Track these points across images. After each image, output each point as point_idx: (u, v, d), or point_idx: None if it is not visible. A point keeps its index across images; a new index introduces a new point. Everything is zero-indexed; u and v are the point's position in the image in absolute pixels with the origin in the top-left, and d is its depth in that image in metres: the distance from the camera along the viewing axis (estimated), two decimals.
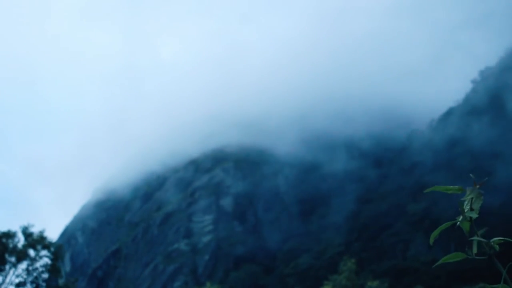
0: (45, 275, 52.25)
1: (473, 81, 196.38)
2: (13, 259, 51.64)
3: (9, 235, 51.95)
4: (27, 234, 52.31)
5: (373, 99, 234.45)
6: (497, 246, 2.48)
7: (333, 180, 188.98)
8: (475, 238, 2.48)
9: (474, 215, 2.50)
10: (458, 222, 2.55)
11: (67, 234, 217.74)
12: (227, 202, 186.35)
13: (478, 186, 2.58)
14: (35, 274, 51.53)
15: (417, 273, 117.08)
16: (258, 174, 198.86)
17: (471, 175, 2.63)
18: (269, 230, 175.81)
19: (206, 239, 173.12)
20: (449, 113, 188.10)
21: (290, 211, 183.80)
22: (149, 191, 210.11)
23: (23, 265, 51.97)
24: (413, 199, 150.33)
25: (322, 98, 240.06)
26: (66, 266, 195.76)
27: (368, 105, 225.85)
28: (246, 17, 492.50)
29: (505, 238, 2.51)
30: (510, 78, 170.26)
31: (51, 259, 52.65)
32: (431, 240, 2.69)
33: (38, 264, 51.95)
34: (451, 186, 2.59)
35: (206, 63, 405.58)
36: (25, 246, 51.79)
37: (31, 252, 51.89)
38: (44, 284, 51.99)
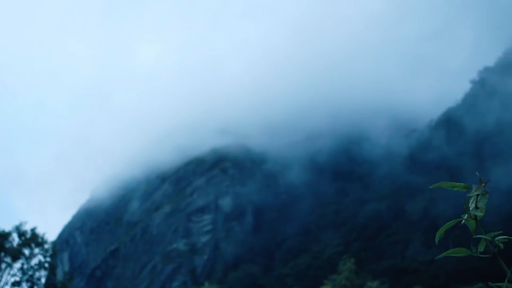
0: (40, 273, 51.95)
1: (472, 81, 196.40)
2: (8, 259, 51.28)
3: (3, 235, 51.56)
4: (20, 232, 51.96)
5: (360, 103, 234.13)
6: (502, 244, 2.45)
7: (330, 181, 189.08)
8: (481, 235, 2.45)
9: (479, 213, 2.47)
10: (463, 220, 2.51)
11: (66, 234, 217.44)
12: (225, 202, 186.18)
13: (483, 184, 2.52)
14: (30, 272, 51.20)
15: (416, 273, 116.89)
16: (256, 175, 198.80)
17: (477, 173, 2.58)
18: (268, 229, 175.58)
19: (204, 239, 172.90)
20: (447, 113, 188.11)
21: (289, 211, 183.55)
22: (148, 191, 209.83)
23: (18, 264, 51.67)
24: (411, 199, 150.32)
25: (307, 103, 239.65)
26: (65, 266, 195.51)
27: (352, 108, 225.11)
28: (221, 26, 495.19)
29: (510, 237, 2.47)
30: (509, 78, 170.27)
31: (46, 257, 52.35)
32: (437, 239, 2.64)
33: (32, 263, 51.64)
34: (457, 183, 2.54)
35: (183, 72, 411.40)
36: (20, 245, 51.44)
37: (26, 251, 51.54)
38: (39, 282, 51.67)
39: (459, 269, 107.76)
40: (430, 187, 2.69)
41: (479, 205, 2.50)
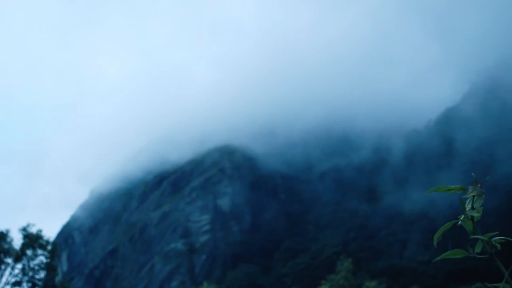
0: (41, 274, 51.96)
1: (470, 82, 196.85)
2: (10, 260, 51.35)
3: (4, 235, 51.62)
4: (26, 234, 51.97)
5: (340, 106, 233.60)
6: (499, 245, 2.46)
7: (327, 182, 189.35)
8: (477, 236, 2.46)
9: (476, 214, 2.47)
10: (460, 221, 2.51)
11: (64, 234, 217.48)
12: (224, 202, 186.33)
13: (479, 185, 2.53)
14: (31, 273, 51.23)
15: (414, 273, 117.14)
16: (254, 176, 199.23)
17: (472, 174, 2.58)
18: (266, 229, 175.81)
19: (203, 238, 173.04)
20: (446, 113, 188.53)
21: (287, 211, 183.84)
22: (146, 191, 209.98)
23: (19, 265, 51.67)
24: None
25: (274, 115, 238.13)
26: (63, 266, 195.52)
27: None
28: (187, 40, 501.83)
29: (506, 237, 2.49)
30: (507, 78, 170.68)
31: (47, 258, 52.37)
32: (435, 241, 2.65)
33: (34, 263, 51.66)
34: (453, 186, 2.56)
35: (150, 86, 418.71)
36: (23, 246, 51.49)
37: (28, 252, 51.57)
38: (40, 283, 51.69)
39: (457, 269, 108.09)
40: (425, 193, 2.75)
41: (475, 206, 2.50)
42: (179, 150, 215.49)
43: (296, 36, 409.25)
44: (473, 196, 2.52)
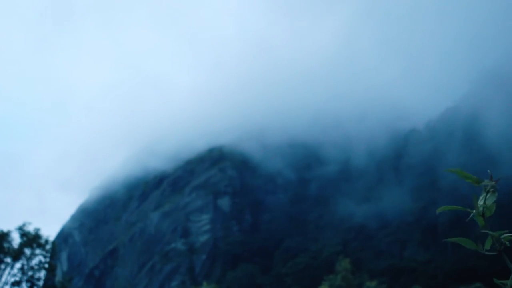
0: (41, 274, 51.94)
1: (471, 81, 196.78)
2: (8, 259, 51.31)
3: (3, 235, 51.60)
4: (23, 233, 51.92)
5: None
6: (508, 242, 2.42)
7: (327, 180, 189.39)
8: (488, 231, 2.44)
9: (487, 210, 2.45)
10: (471, 215, 2.48)
11: (64, 234, 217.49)
12: (224, 202, 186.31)
13: (494, 182, 2.49)
14: (30, 273, 51.18)
15: (414, 272, 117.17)
16: (255, 175, 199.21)
17: (488, 171, 2.54)
18: (266, 229, 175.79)
19: (203, 238, 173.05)
20: (446, 112, 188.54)
21: (287, 211, 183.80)
22: (146, 191, 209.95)
23: (18, 264, 51.67)
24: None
25: (259, 123, 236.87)
26: (63, 265, 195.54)
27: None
28: (169, 47, 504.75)
29: None
30: (508, 79, 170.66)
31: (46, 257, 52.35)
32: (438, 210, 2.64)
33: (33, 263, 51.63)
34: (470, 175, 2.50)
35: (135, 93, 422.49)
36: (21, 245, 51.42)
37: (27, 251, 51.53)
38: (39, 282, 51.65)
39: (457, 269, 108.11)
40: (444, 170, 2.68)
41: (487, 202, 2.46)
42: (171, 153, 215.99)
43: (271, 48, 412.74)
44: (486, 192, 2.48)
